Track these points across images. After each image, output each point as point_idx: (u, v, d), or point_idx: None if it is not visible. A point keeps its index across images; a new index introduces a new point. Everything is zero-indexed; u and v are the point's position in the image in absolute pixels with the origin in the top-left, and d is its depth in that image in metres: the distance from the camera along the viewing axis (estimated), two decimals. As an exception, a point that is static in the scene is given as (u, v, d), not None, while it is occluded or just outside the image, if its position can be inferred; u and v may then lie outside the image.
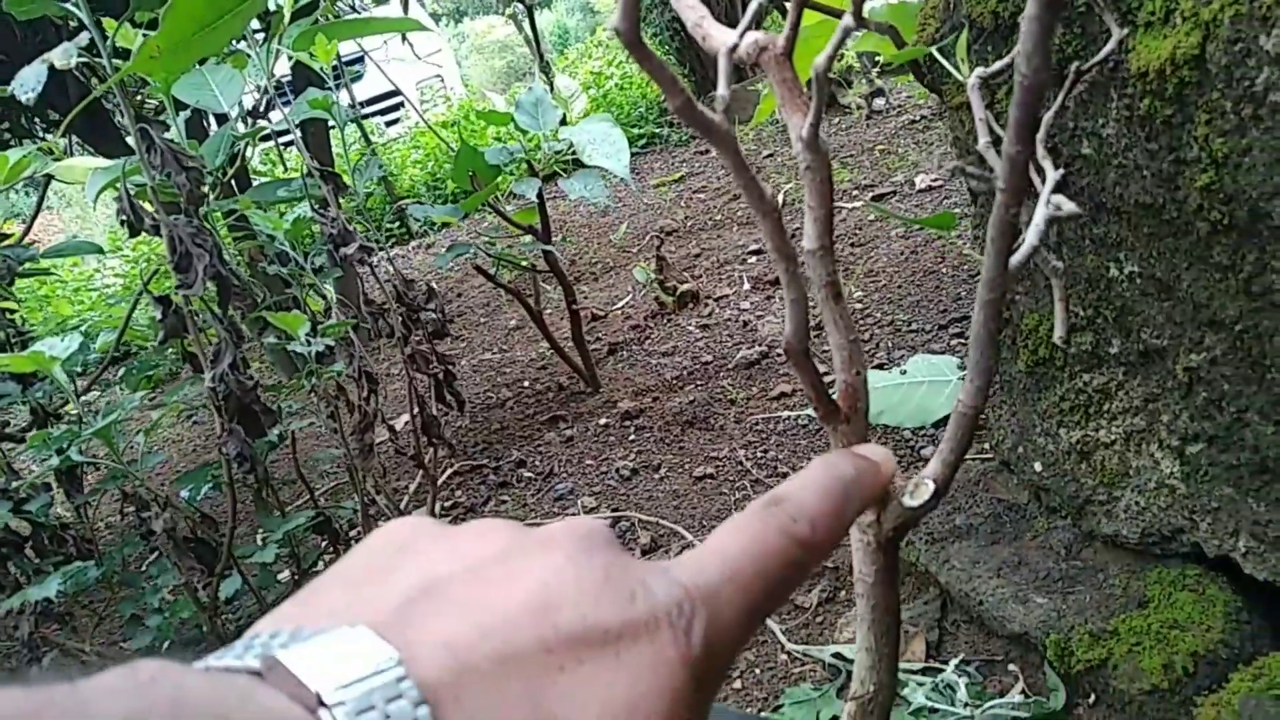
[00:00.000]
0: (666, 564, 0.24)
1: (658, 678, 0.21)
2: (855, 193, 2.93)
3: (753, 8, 0.44)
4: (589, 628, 0.21)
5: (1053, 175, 0.54)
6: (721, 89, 0.43)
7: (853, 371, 0.54)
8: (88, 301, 5.14)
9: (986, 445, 1.23)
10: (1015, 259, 0.50)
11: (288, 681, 0.18)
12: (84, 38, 1.00)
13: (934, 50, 0.77)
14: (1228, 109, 0.66)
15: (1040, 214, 0.52)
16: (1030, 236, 0.51)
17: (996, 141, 0.53)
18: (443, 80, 8.46)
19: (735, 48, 0.43)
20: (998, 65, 0.68)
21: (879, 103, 4.02)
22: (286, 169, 5.30)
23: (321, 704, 0.18)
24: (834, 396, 0.54)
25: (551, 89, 3.71)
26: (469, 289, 3.34)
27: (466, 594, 0.21)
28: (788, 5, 0.46)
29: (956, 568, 1.02)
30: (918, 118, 3.64)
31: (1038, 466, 1.02)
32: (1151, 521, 0.89)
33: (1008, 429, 1.08)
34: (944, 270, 2.02)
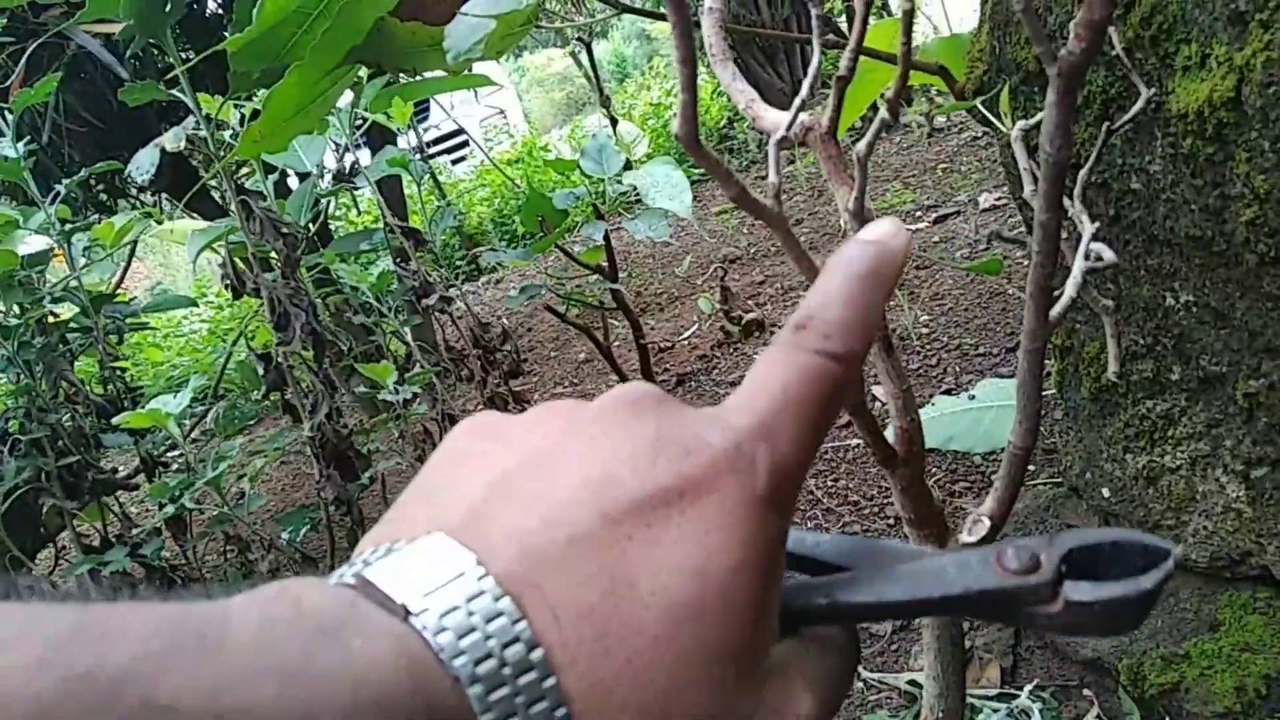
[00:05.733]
0: (717, 410, 0.24)
1: (728, 523, 0.21)
2: (919, 213, 2.94)
3: (798, 101, 0.48)
4: (650, 492, 0.21)
5: (1089, 228, 0.57)
6: (772, 176, 0.48)
7: (907, 418, 0.58)
8: (175, 347, 5.38)
9: (1056, 471, 1.24)
10: (1055, 311, 0.54)
11: (380, 596, 0.20)
12: (189, 120, 1.09)
13: (979, 104, 0.80)
14: (1266, 148, 0.69)
15: (1078, 266, 0.56)
16: (1069, 289, 0.55)
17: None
18: (505, 117, 8.65)
19: (785, 138, 0.48)
20: (1039, 117, 0.72)
21: (940, 120, 4.01)
22: (360, 212, 5.50)
23: (409, 614, 0.19)
24: (891, 442, 0.58)
25: (612, 123, 3.79)
26: (538, 323, 3.42)
27: (528, 486, 0.22)
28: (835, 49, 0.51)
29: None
30: (979, 134, 3.63)
31: (1106, 492, 1.04)
32: (1220, 545, 0.90)
33: (1075, 455, 1.10)
34: (1010, 292, 2.03)
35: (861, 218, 0.53)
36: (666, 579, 0.20)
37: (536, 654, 0.19)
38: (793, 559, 0.28)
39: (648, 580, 0.20)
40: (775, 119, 0.54)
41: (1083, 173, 0.59)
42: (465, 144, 8.14)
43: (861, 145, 0.48)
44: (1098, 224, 0.56)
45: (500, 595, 0.19)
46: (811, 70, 0.46)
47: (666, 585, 0.20)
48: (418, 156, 1.67)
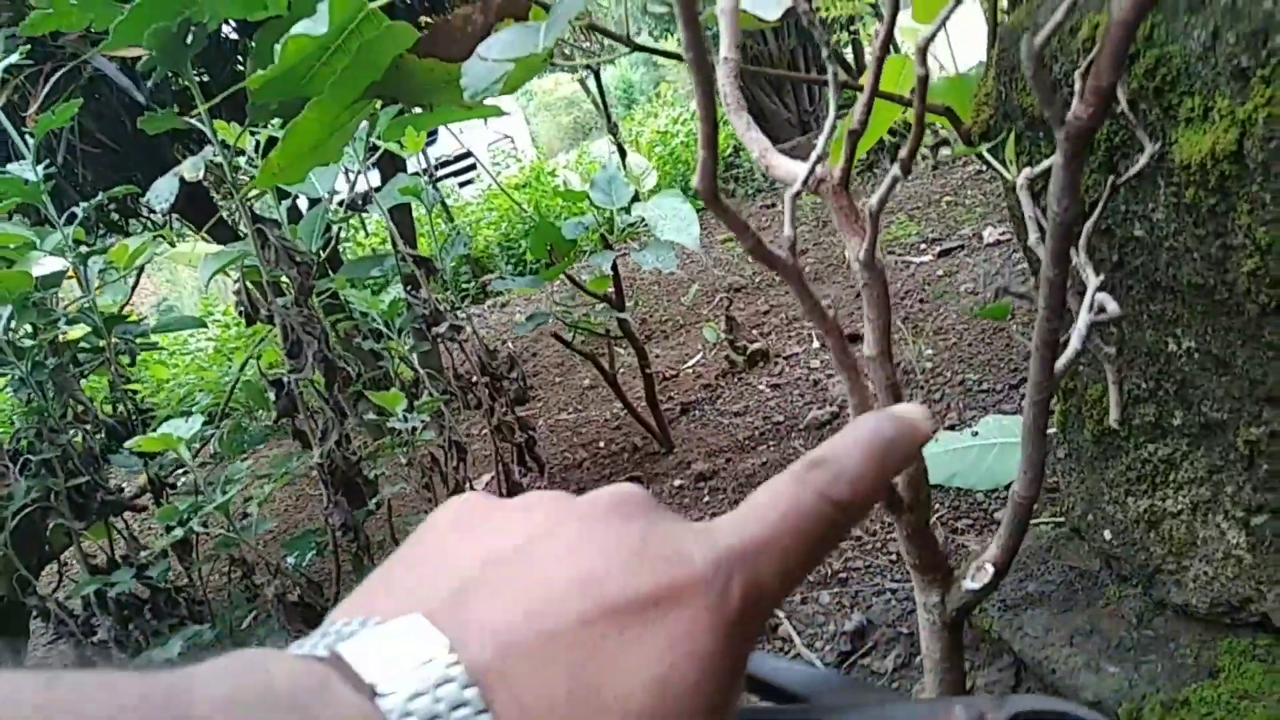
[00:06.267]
0: (707, 525, 0.25)
1: (695, 639, 0.22)
2: (923, 246, 2.96)
3: (814, 155, 0.50)
4: (629, 598, 0.22)
5: (1093, 281, 0.58)
6: (787, 230, 0.50)
7: (914, 465, 0.59)
8: (181, 365, 5.40)
9: (1058, 510, 1.25)
10: (1060, 363, 0.55)
11: (350, 674, 0.20)
12: (208, 150, 1.11)
13: (984, 151, 0.82)
14: (1267, 201, 0.70)
15: (1083, 319, 0.57)
16: (1074, 341, 0.56)
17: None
18: (513, 142, 8.72)
19: (799, 192, 0.50)
20: (1044, 165, 0.73)
21: (944, 153, 4.04)
22: (367, 234, 5.53)
23: (376, 694, 0.19)
24: (897, 489, 0.59)
25: (621, 155, 3.82)
26: (543, 348, 3.44)
27: (513, 574, 0.22)
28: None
29: (1029, 635, 1.04)
30: (983, 168, 3.65)
31: (1107, 535, 1.04)
32: (1220, 591, 0.91)
33: (1078, 496, 1.10)
34: (1014, 327, 2.04)
35: (872, 267, 0.54)
36: (628, 686, 0.21)
37: None
38: (754, 683, 0.29)
39: (612, 685, 0.21)
40: (790, 169, 0.55)
41: (1088, 225, 0.60)
42: (473, 167, 8.21)
43: (874, 200, 0.49)
44: (1102, 276, 0.57)
45: (468, 684, 0.20)
46: (826, 129, 0.47)
47: (628, 692, 0.21)
48: (427, 181, 1.68)
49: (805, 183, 0.51)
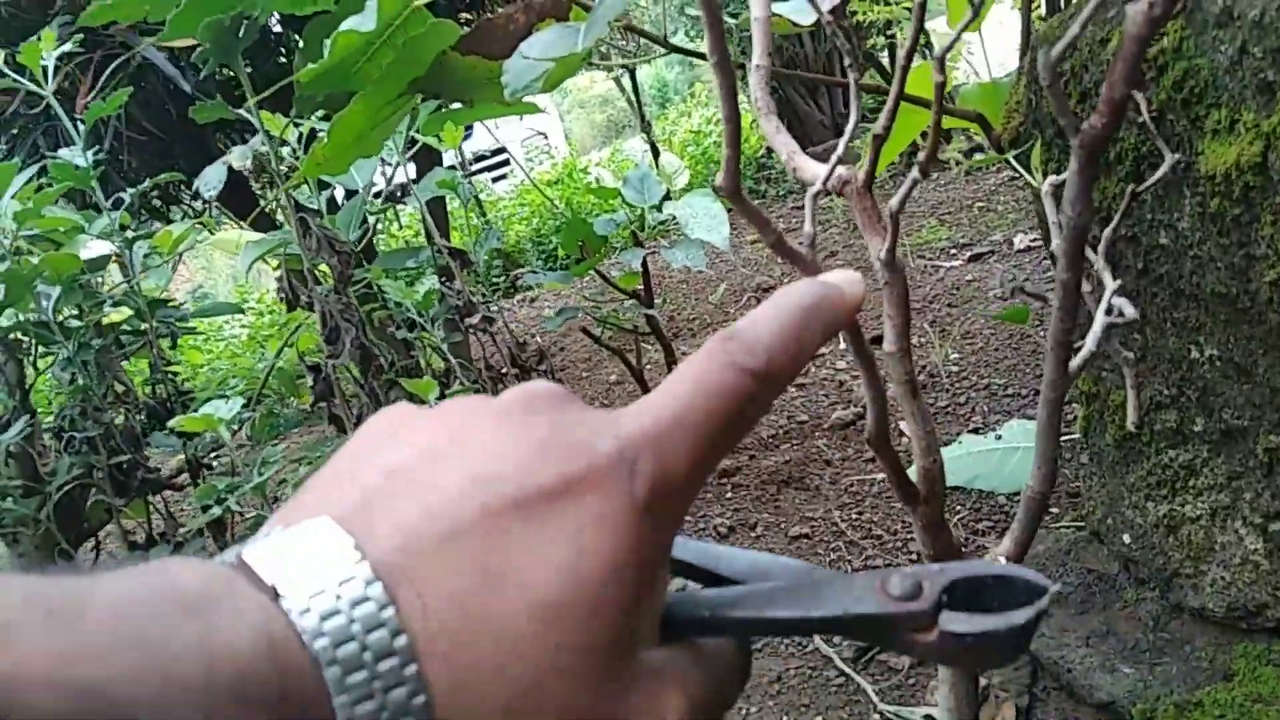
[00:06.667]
0: (616, 413, 0.24)
1: (602, 527, 0.21)
2: (954, 251, 2.95)
3: (834, 157, 0.52)
4: (532, 490, 0.22)
5: (1110, 285, 0.60)
6: (807, 227, 0.52)
7: (930, 459, 0.61)
8: (216, 350, 5.48)
9: (1079, 514, 1.26)
10: (1075, 363, 0.57)
11: (254, 576, 0.20)
12: (256, 139, 1.15)
13: (1011, 159, 0.83)
14: (1292, 213, 0.71)
15: (1099, 322, 0.58)
16: (1089, 343, 0.58)
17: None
18: (547, 138, 8.76)
19: (821, 191, 0.52)
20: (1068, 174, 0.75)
21: (977, 158, 4.03)
22: (401, 226, 5.59)
23: (278, 595, 0.19)
24: (914, 481, 0.61)
25: (654, 154, 3.83)
26: (570, 343, 3.47)
27: (420, 477, 0.22)
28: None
29: (1046, 635, 1.05)
30: (1015, 174, 3.64)
31: (1126, 539, 1.05)
32: (1237, 596, 0.91)
33: (1098, 500, 1.11)
34: (1040, 334, 2.04)
35: (893, 267, 0.56)
36: (536, 575, 0.21)
37: (400, 640, 0.19)
38: (695, 571, 0.29)
39: (518, 576, 0.21)
40: (815, 171, 0.57)
41: (1107, 231, 0.62)
42: (506, 163, 8.26)
43: (894, 201, 0.51)
44: (1120, 281, 0.58)
45: (371, 581, 0.20)
46: (848, 132, 0.49)
47: (535, 582, 0.21)
48: (462, 176, 1.72)
49: (827, 183, 0.53)
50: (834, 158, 0.54)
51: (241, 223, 2.46)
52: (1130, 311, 0.59)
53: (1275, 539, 0.87)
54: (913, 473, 0.61)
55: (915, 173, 0.48)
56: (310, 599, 0.19)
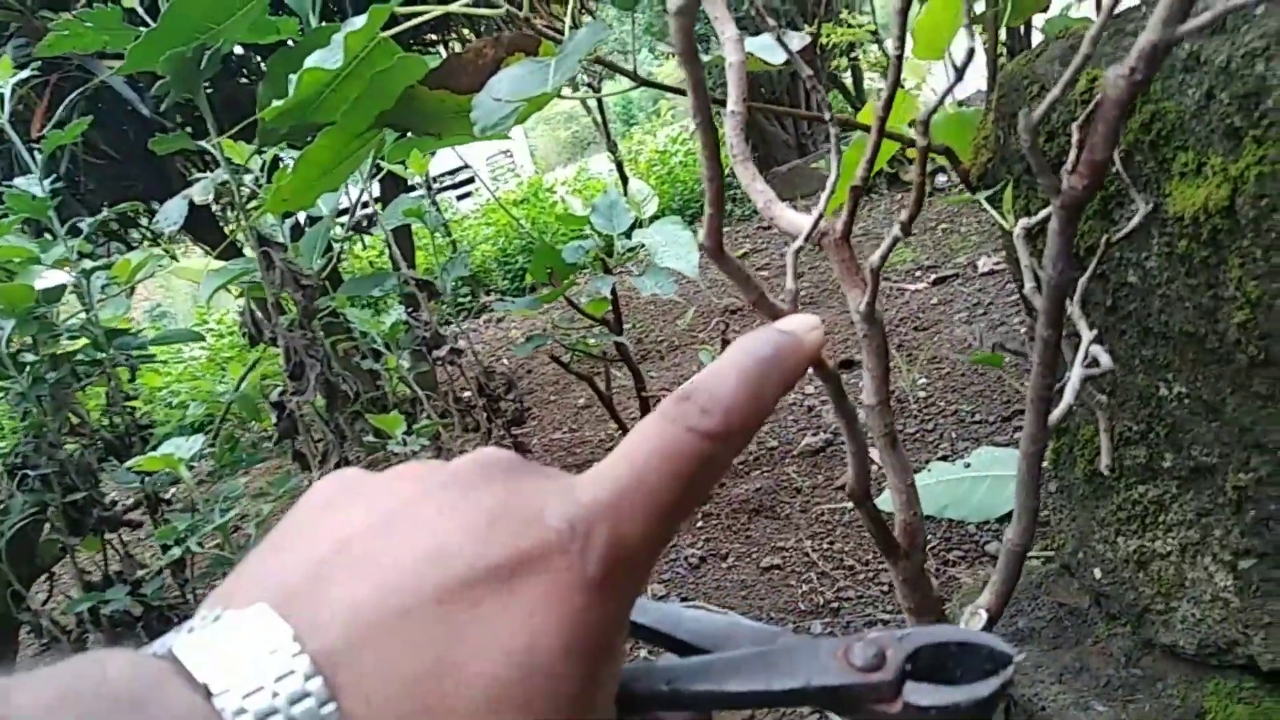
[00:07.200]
0: (570, 481, 0.24)
1: (554, 606, 0.21)
2: (918, 273, 2.98)
3: (816, 212, 0.51)
4: (482, 568, 0.21)
5: (1087, 335, 0.60)
6: (789, 283, 0.51)
7: (911, 512, 0.60)
8: (175, 373, 5.39)
9: (1048, 544, 1.26)
10: (1054, 415, 0.57)
11: (185, 671, 0.19)
12: (218, 173, 1.13)
13: (983, 199, 0.84)
14: (1258, 256, 0.72)
15: (1076, 373, 0.58)
16: (1067, 395, 0.58)
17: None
18: (512, 156, 8.76)
19: (800, 248, 0.51)
20: (1040, 216, 0.75)
21: (941, 179, 4.08)
22: (365, 246, 5.54)
23: (210, 694, 0.18)
24: (894, 534, 0.60)
25: (620, 170, 3.85)
26: (538, 365, 3.45)
27: (368, 553, 0.21)
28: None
29: (1019, 671, 1.05)
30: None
31: (1097, 573, 1.06)
32: (1207, 633, 0.92)
33: (1069, 533, 1.12)
34: (1008, 359, 2.06)
35: (872, 320, 0.56)
36: (490, 660, 0.20)
37: None
38: (657, 636, 0.28)
39: (471, 661, 0.20)
40: (793, 221, 0.56)
41: (1082, 280, 0.62)
42: (471, 180, 8.22)
43: (875, 258, 0.51)
44: (1096, 330, 0.58)
45: (311, 675, 0.19)
46: (827, 191, 0.49)
47: (485, 667, 0.20)
48: (429, 200, 1.70)
49: (808, 238, 0.53)
50: (815, 212, 0.53)
51: (206, 247, 2.42)
52: (1106, 361, 0.59)
53: (1245, 576, 0.88)
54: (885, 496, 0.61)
55: (896, 230, 0.47)
56: (244, 698, 0.18)
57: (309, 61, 0.86)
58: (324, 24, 1.07)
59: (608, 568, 0.22)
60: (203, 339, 1.90)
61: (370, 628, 0.20)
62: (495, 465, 0.24)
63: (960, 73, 0.44)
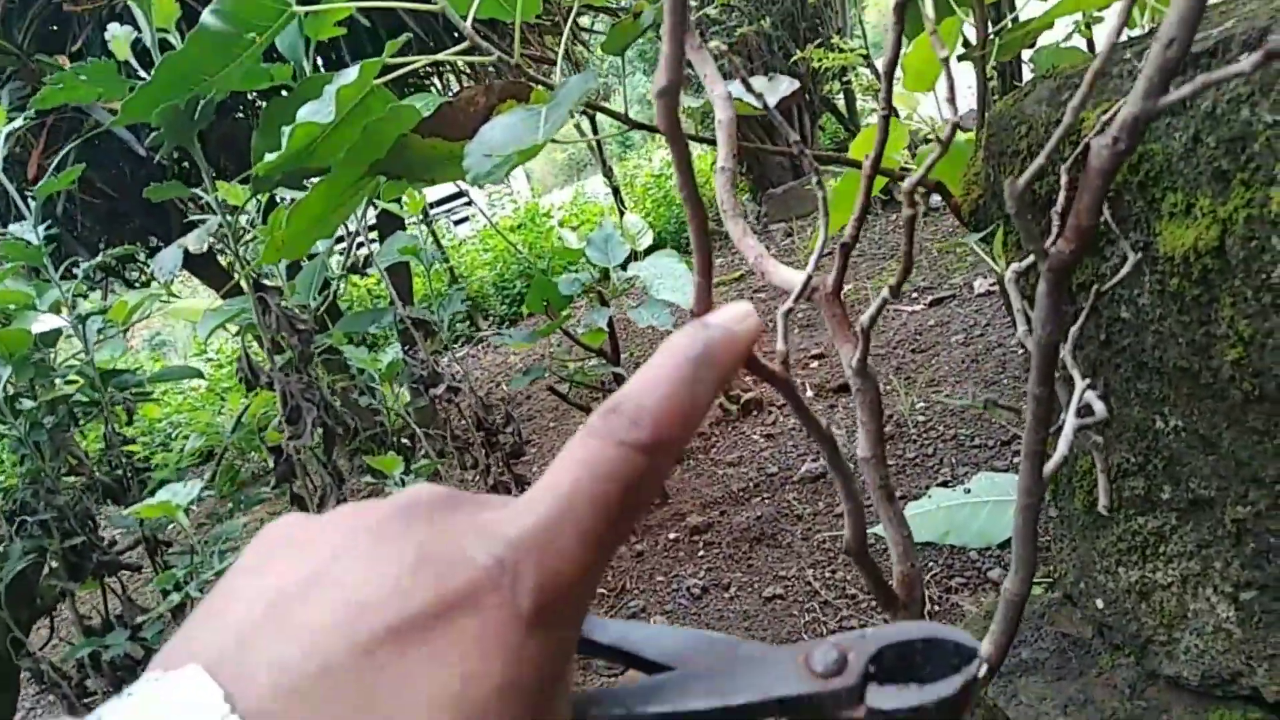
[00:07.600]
0: (496, 515, 0.23)
1: (485, 648, 0.20)
2: (914, 295, 2.99)
3: (808, 269, 0.52)
4: (407, 617, 0.20)
5: (1080, 384, 0.60)
6: (780, 345, 0.51)
7: (908, 564, 0.60)
8: (173, 404, 5.39)
9: (1049, 571, 1.26)
10: (1049, 467, 0.57)
11: None
12: (212, 222, 1.13)
13: (974, 243, 0.84)
14: (1249, 295, 0.72)
15: (1070, 424, 0.58)
16: (1061, 446, 0.58)
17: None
18: (508, 181, 8.79)
19: (791, 309, 0.51)
20: (1029, 261, 0.76)
21: (935, 200, 4.10)
22: (364, 274, 5.54)
23: None
24: (892, 586, 0.60)
25: (616, 195, 3.86)
26: (537, 391, 3.45)
27: (295, 607, 0.21)
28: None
29: (1024, 704, 1.05)
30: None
31: (1100, 603, 1.05)
32: (1211, 664, 0.92)
33: (1070, 563, 1.12)
34: (1005, 381, 2.06)
35: (865, 375, 0.56)
36: (418, 710, 0.19)
37: None
38: (615, 654, 0.28)
39: (399, 714, 0.19)
40: (784, 276, 0.57)
41: (1074, 330, 0.62)
42: (468, 204, 8.25)
43: (865, 319, 0.51)
44: (1089, 380, 0.59)
45: None
46: (815, 253, 0.49)
47: (418, 716, 0.19)
48: (426, 229, 1.70)
49: (800, 296, 0.53)
50: (808, 269, 0.54)
51: (207, 285, 2.42)
52: (1100, 410, 0.59)
53: (1246, 608, 0.88)
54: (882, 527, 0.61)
55: (885, 293, 0.48)
56: None
57: (301, 115, 0.87)
58: (318, 72, 1.08)
59: (542, 601, 0.21)
60: (201, 375, 1.90)
61: (294, 686, 0.19)
62: (422, 504, 0.23)
63: (950, 137, 0.45)
